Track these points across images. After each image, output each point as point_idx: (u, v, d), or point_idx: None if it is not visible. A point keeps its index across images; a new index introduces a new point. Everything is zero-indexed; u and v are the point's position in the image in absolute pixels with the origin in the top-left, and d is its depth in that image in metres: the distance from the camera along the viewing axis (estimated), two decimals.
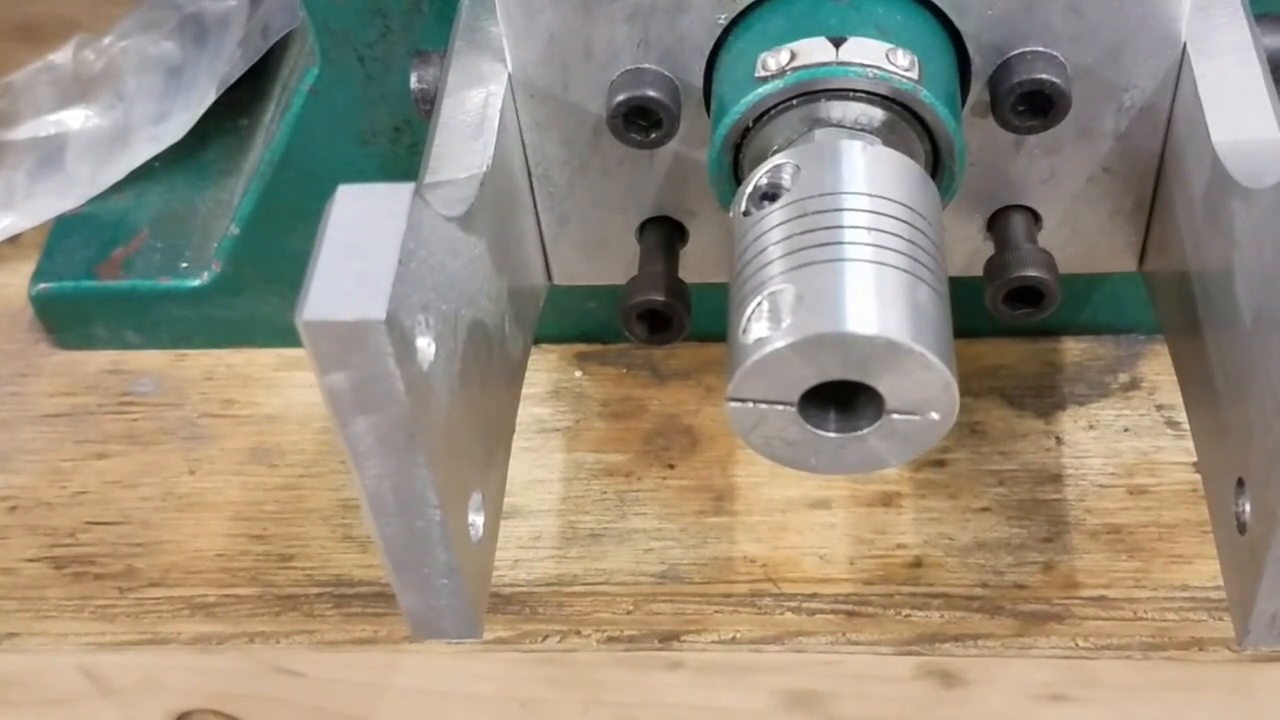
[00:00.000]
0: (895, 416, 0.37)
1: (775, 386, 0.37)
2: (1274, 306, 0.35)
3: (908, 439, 0.38)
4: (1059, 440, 0.59)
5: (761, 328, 0.37)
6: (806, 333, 0.36)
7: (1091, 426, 0.59)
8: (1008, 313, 0.48)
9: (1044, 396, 0.61)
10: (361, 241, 0.34)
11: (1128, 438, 0.59)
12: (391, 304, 0.33)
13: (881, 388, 0.37)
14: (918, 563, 0.56)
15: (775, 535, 0.57)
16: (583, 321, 0.63)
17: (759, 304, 0.37)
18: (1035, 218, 0.50)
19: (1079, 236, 0.50)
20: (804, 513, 0.58)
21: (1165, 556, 0.55)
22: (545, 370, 0.63)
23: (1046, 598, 0.54)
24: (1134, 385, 0.60)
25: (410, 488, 0.37)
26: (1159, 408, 0.59)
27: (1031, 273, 0.47)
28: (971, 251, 0.51)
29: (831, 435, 0.38)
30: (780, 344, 0.36)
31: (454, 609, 0.41)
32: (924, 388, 0.37)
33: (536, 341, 0.64)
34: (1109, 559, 0.55)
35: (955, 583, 0.55)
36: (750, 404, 0.38)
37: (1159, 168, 0.47)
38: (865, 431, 0.38)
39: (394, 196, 0.35)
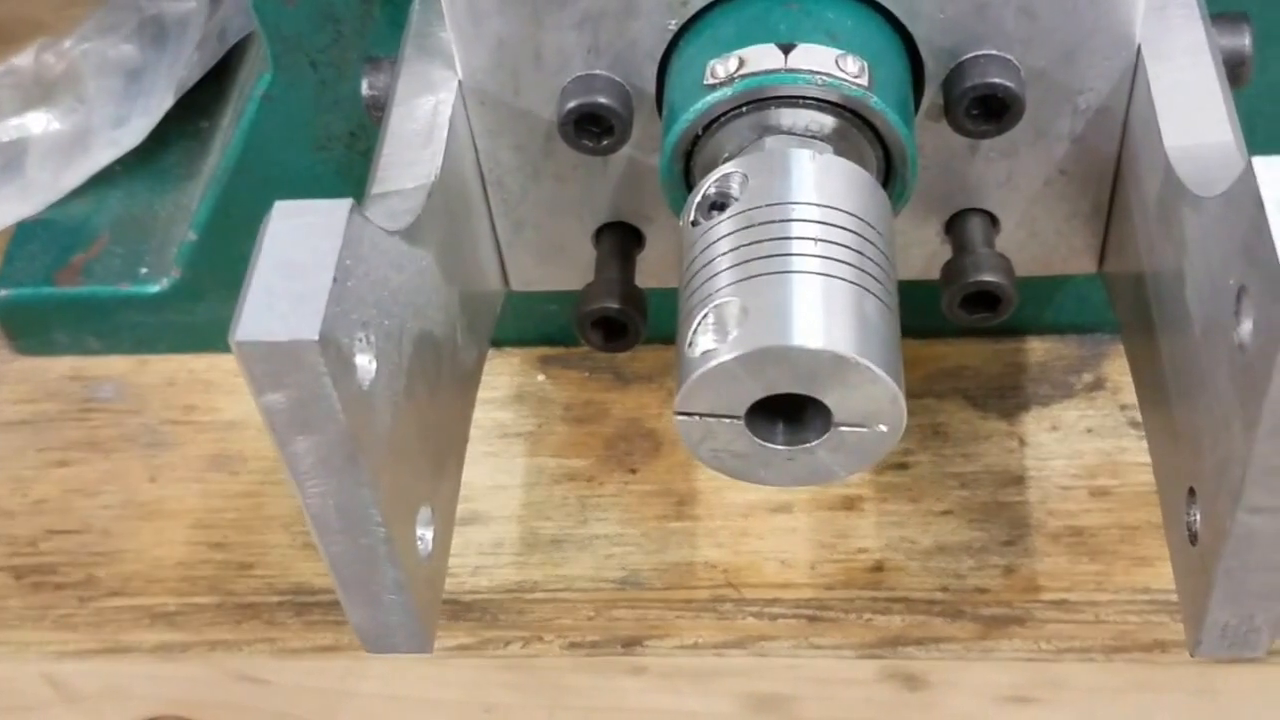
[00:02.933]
0: (843, 429, 0.37)
1: (722, 400, 0.37)
2: (1222, 317, 0.35)
3: (856, 451, 0.38)
4: (1022, 441, 0.59)
5: (708, 340, 0.37)
6: (752, 346, 0.36)
7: (1055, 427, 0.59)
8: (965, 317, 0.48)
9: (1007, 397, 0.60)
10: (296, 260, 0.34)
11: (1090, 439, 0.58)
12: (326, 323, 0.33)
13: (829, 401, 0.37)
14: (879, 566, 0.56)
15: (736, 540, 0.57)
16: (545, 324, 0.63)
17: (705, 316, 0.37)
18: (993, 220, 0.49)
19: (1037, 239, 0.50)
20: (765, 517, 0.57)
21: (1127, 559, 0.54)
22: (508, 374, 0.63)
23: (1008, 601, 0.54)
24: (1098, 385, 0.60)
25: (354, 506, 0.37)
26: (1122, 408, 0.59)
27: (987, 277, 0.47)
28: (930, 254, 0.51)
29: (780, 448, 0.38)
30: (726, 358, 0.36)
31: (404, 624, 0.40)
32: (871, 401, 0.36)
33: (499, 344, 0.64)
34: (1070, 562, 0.55)
35: (917, 586, 0.55)
36: (698, 417, 0.38)
37: (1116, 170, 0.47)
38: (814, 444, 0.38)
39: (330, 213, 0.35)
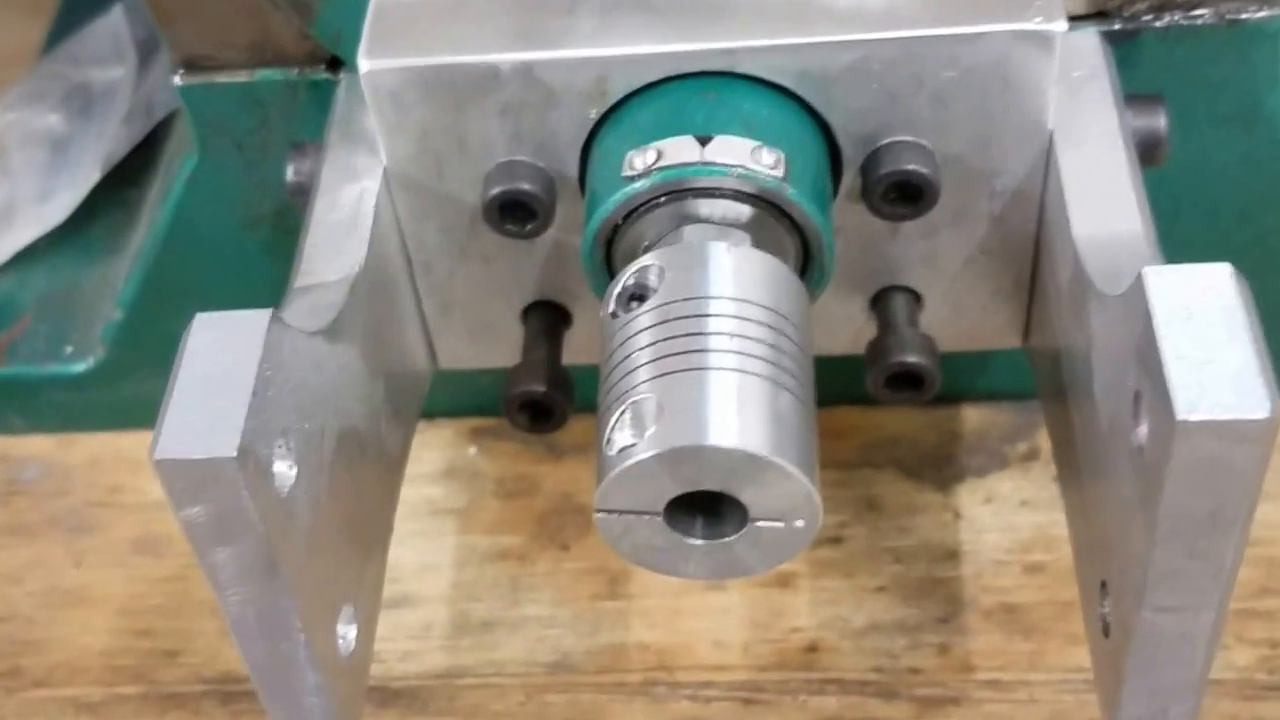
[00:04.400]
0: (760, 524, 0.37)
1: (640, 497, 0.37)
2: (1124, 417, 0.35)
3: (774, 547, 0.37)
4: (957, 514, 0.59)
5: (625, 437, 0.37)
6: (668, 445, 0.36)
7: (989, 500, 0.59)
8: (890, 396, 0.48)
9: (943, 468, 0.60)
10: (215, 374, 0.34)
11: (1025, 511, 0.58)
12: (245, 437, 0.33)
13: (745, 497, 0.36)
14: (813, 647, 0.55)
15: (670, 620, 0.56)
16: (477, 396, 0.63)
17: (623, 413, 0.37)
18: (917, 298, 0.50)
19: (962, 315, 0.50)
20: (700, 595, 0.57)
21: (1060, 636, 0.54)
22: (439, 448, 0.63)
23: (942, 681, 0.54)
24: (1032, 455, 0.60)
25: (274, 613, 0.36)
26: (1055, 479, 0.59)
27: (910, 359, 0.47)
28: (857, 330, 0.51)
29: (699, 543, 0.38)
30: (643, 456, 0.36)
31: None
32: (787, 497, 0.36)
33: (430, 416, 0.63)
34: (1004, 639, 0.54)
35: (850, 667, 0.54)
36: (617, 514, 0.37)
37: (1036, 249, 0.47)
38: (731, 539, 0.38)
39: (249, 325, 0.34)
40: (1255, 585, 0.55)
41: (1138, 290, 0.33)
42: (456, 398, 0.62)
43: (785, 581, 0.57)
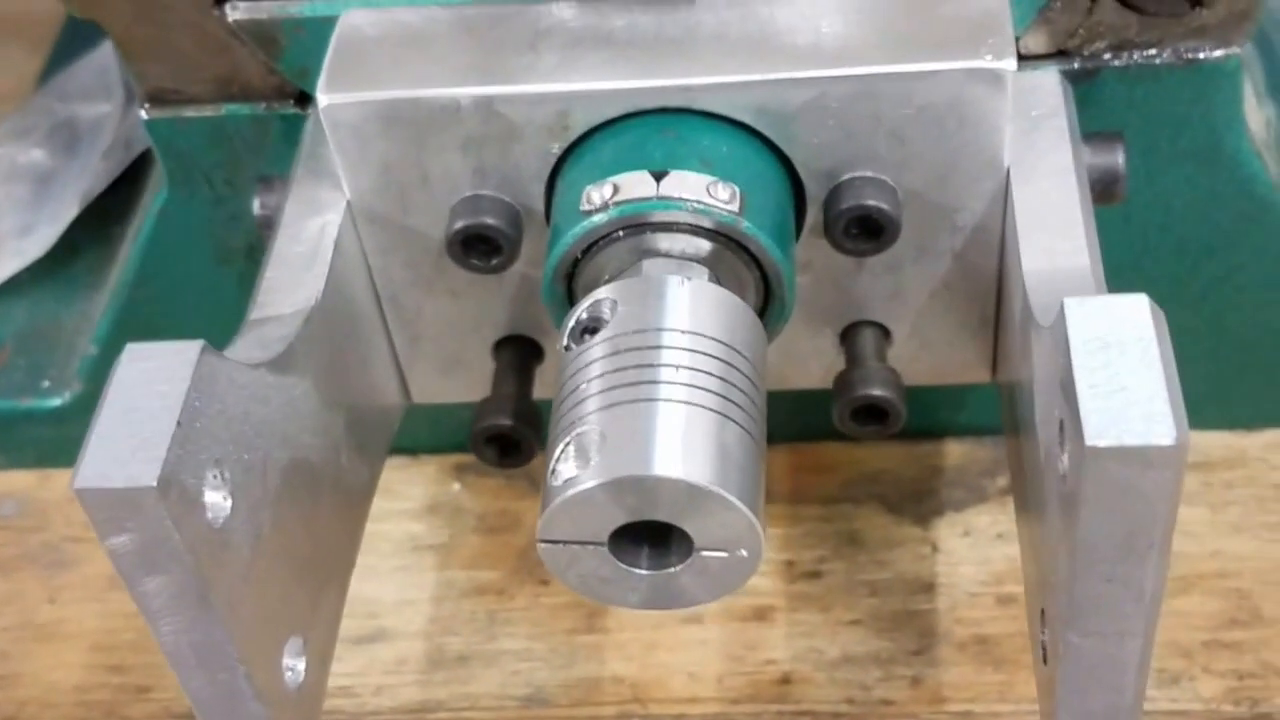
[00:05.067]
0: (705, 554, 0.37)
1: (585, 527, 0.37)
2: (1053, 445, 0.35)
3: (719, 577, 0.37)
4: (935, 548, 0.58)
5: (569, 468, 0.37)
6: (611, 475, 0.36)
7: (967, 533, 0.59)
8: (856, 429, 0.48)
9: (923, 502, 0.60)
10: (140, 404, 0.34)
11: (1000, 544, 0.58)
12: (166, 467, 0.33)
13: (689, 528, 0.36)
14: (786, 679, 0.55)
15: (645, 653, 0.56)
16: (460, 432, 0.62)
17: (568, 444, 0.37)
18: (886, 333, 0.49)
19: (929, 350, 0.50)
20: (676, 628, 0.57)
21: (1029, 668, 0.53)
22: (422, 484, 0.63)
23: (914, 713, 0.54)
24: (1010, 490, 0.60)
25: (210, 643, 0.36)
26: None
27: (874, 392, 0.47)
28: (827, 365, 0.51)
29: (644, 573, 0.38)
30: (586, 486, 0.36)
31: None
32: (730, 528, 0.36)
33: (414, 452, 0.63)
34: (975, 671, 0.54)
35: (823, 699, 0.54)
36: (562, 544, 0.37)
37: (998, 284, 0.47)
38: (676, 569, 0.37)
39: (178, 356, 0.34)
40: (1224, 617, 0.54)
41: (1060, 320, 0.34)
42: (440, 434, 0.62)
43: (762, 615, 0.57)
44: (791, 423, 0.55)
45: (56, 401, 0.61)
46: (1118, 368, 0.32)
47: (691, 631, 0.57)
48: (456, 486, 0.63)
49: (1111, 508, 0.33)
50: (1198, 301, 0.55)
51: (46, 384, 0.61)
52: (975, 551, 0.58)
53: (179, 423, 0.33)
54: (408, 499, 0.62)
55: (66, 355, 0.62)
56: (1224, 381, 0.57)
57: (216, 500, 0.35)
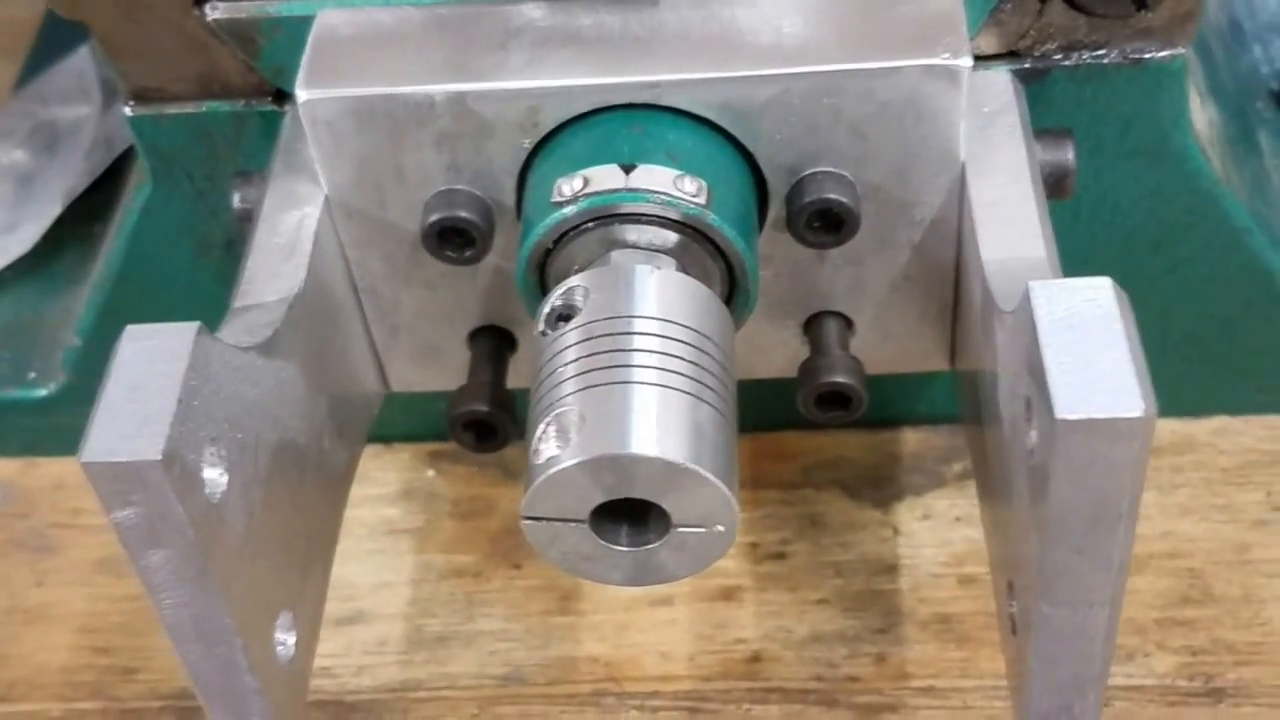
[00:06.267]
0: (682, 530, 0.39)
1: (566, 504, 0.39)
2: (1019, 423, 0.37)
3: (696, 551, 0.39)
4: (896, 531, 0.60)
5: (550, 448, 0.38)
6: (591, 454, 0.37)
7: (926, 516, 0.61)
8: (820, 416, 0.50)
9: (883, 487, 0.62)
10: (143, 382, 0.35)
11: (959, 527, 0.60)
12: (169, 442, 0.34)
13: (666, 504, 0.38)
14: (756, 657, 0.57)
15: (618, 633, 0.58)
16: (436, 420, 0.64)
17: (548, 425, 0.39)
18: (848, 322, 0.51)
19: (890, 339, 0.52)
20: (647, 610, 0.59)
21: (991, 645, 0.56)
22: (397, 470, 0.64)
23: (879, 689, 0.55)
24: (967, 475, 0.62)
25: (209, 617, 0.38)
26: None
27: (837, 379, 0.49)
28: (791, 354, 0.52)
29: (624, 549, 0.40)
30: (566, 464, 0.38)
31: None
32: (706, 503, 0.38)
33: (389, 440, 0.65)
34: (939, 649, 0.56)
35: (792, 676, 0.56)
36: (545, 521, 0.39)
37: (956, 275, 0.49)
38: (655, 545, 0.39)
39: (177, 336, 0.36)
40: (1176, 595, 0.56)
41: (1026, 303, 0.35)
42: (415, 423, 0.63)
43: (730, 595, 0.59)
44: (751, 412, 0.57)
45: (43, 392, 0.63)
46: (1084, 345, 0.34)
47: (662, 612, 0.59)
48: (431, 473, 0.64)
49: (1081, 480, 0.34)
50: (1146, 293, 0.56)
51: (32, 375, 0.63)
52: (935, 534, 0.60)
53: (180, 399, 0.35)
54: (383, 484, 0.64)
55: (51, 347, 0.63)
56: (1172, 370, 0.59)
57: (214, 476, 0.37)
